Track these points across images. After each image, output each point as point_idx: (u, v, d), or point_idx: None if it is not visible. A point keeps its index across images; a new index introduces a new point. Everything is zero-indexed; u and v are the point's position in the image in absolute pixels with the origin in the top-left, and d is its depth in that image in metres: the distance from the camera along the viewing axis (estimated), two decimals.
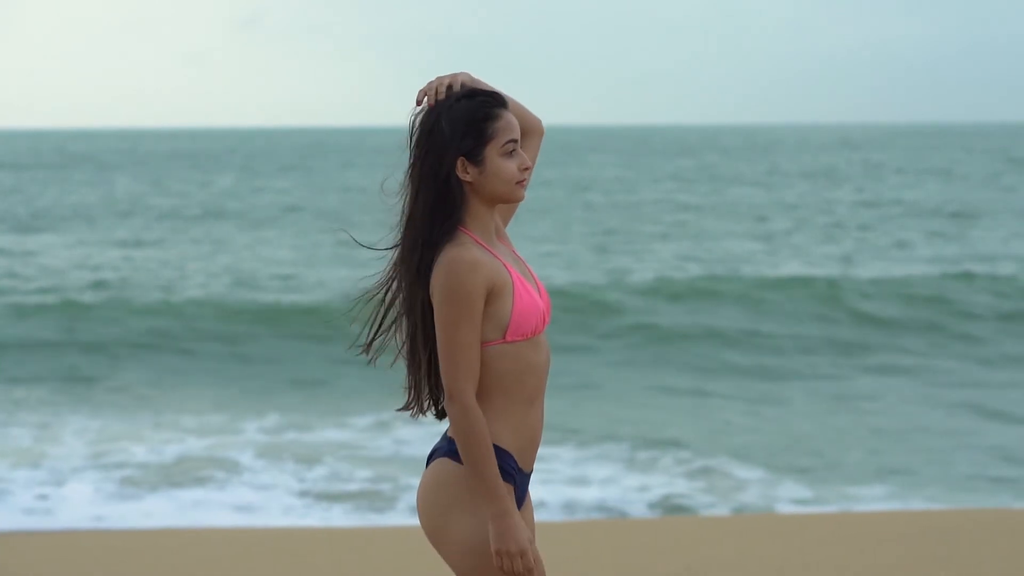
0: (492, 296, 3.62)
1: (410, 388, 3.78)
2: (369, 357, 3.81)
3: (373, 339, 3.79)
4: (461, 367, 3.58)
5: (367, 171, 73.78)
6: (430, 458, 3.73)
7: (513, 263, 3.74)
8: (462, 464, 3.62)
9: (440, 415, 3.80)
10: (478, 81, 3.76)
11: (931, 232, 37.04)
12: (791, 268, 28.12)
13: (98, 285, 25.72)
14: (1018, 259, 29.30)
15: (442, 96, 3.69)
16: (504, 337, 3.63)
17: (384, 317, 3.77)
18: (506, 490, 3.62)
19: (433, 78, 3.75)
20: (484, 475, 3.56)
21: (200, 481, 11.74)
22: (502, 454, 3.66)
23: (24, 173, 76.08)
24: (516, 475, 3.68)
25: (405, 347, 3.76)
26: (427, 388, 3.78)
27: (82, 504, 10.98)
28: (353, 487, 11.57)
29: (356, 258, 30.02)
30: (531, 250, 32.94)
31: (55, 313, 21.74)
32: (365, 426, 14.06)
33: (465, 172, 3.66)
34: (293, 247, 33.85)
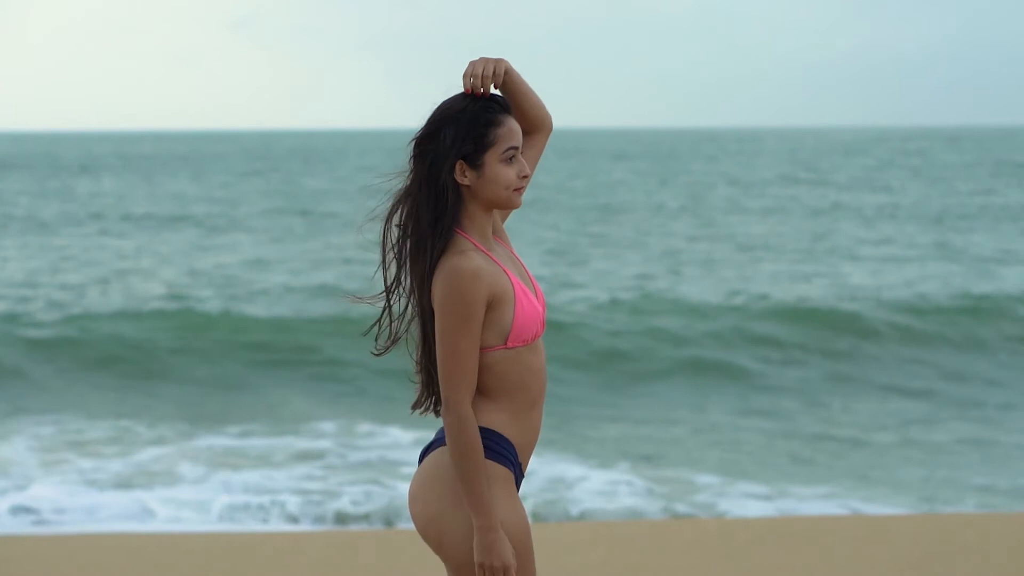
0: (493, 304, 3.63)
1: (422, 387, 3.81)
2: (379, 352, 3.80)
3: (389, 342, 3.80)
4: (458, 376, 3.59)
5: (330, 179, 72.55)
6: (427, 451, 3.76)
7: (511, 266, 3.75)
8: None
9: (440, 414, 3.79)
10: (514, 71, 3.75)
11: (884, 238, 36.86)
12: (749, 280, 27.88)
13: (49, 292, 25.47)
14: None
15: (488, 85, 3.69)
16: (505, 343, 3.65)
17: (390, 321, 3.78)
18: (498, 500, 3.63)
19: (477, 59, 3.72)
20: (474, 487, 3.58)
21: (154, 486, 11.76)
22: (504, 442, 3.69)
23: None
24: (516, 467, 3.71)
25: (418, 349, 3.78)
26: (433, 388, 3.80)
27: (36, 506, 10.99)
28: (313, 492, 11.62)
29: (318, 262, 29.79)
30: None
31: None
32: (327, 432, 14.11)
33: (463, 176, 3.66)
34: (251, 251, 33.53)
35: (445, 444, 3.69)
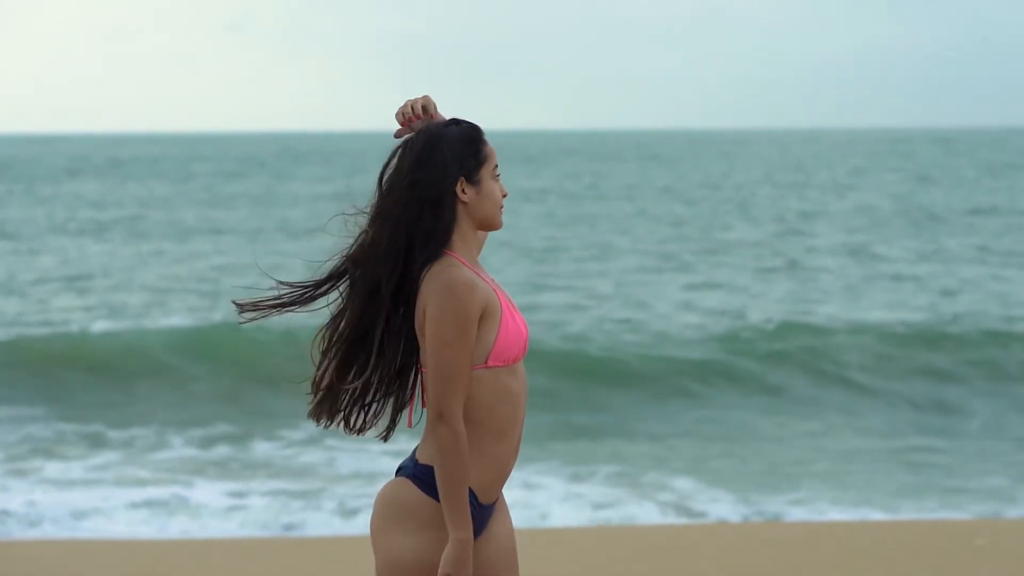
0: (482, 319, 3.61)
1: (350, 402, 3.79)
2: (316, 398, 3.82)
3: (322, 379, 3.81)
4: (454, 388, 3.57)
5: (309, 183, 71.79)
6: (397, 472, 3.75)
7: (498, 288, 3.73)
8: (422, 491, 3.65)
9: (352, 429, 3.81)
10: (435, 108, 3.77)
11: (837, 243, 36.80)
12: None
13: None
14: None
15: (419, 114, 3.72)
16: (486, 362, 3.63)
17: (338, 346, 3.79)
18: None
19: (403, 102, 3.75)
20: (456, 501, 3.58)
21: (119, 491, 11.81)
22: None
23: None
24: (475, 510, 3.68)
25: (363, 364, 3.74)
26: (358, 403, 3.79)
27: (12, 511, 11.04)
28: (281, 497, 11.66)
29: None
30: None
31: None
32: (297, 439, 14.12)
33: (464, 192, 3.66)
34: (226, 256, 33.35)
35: (409, 476, 3.69)
